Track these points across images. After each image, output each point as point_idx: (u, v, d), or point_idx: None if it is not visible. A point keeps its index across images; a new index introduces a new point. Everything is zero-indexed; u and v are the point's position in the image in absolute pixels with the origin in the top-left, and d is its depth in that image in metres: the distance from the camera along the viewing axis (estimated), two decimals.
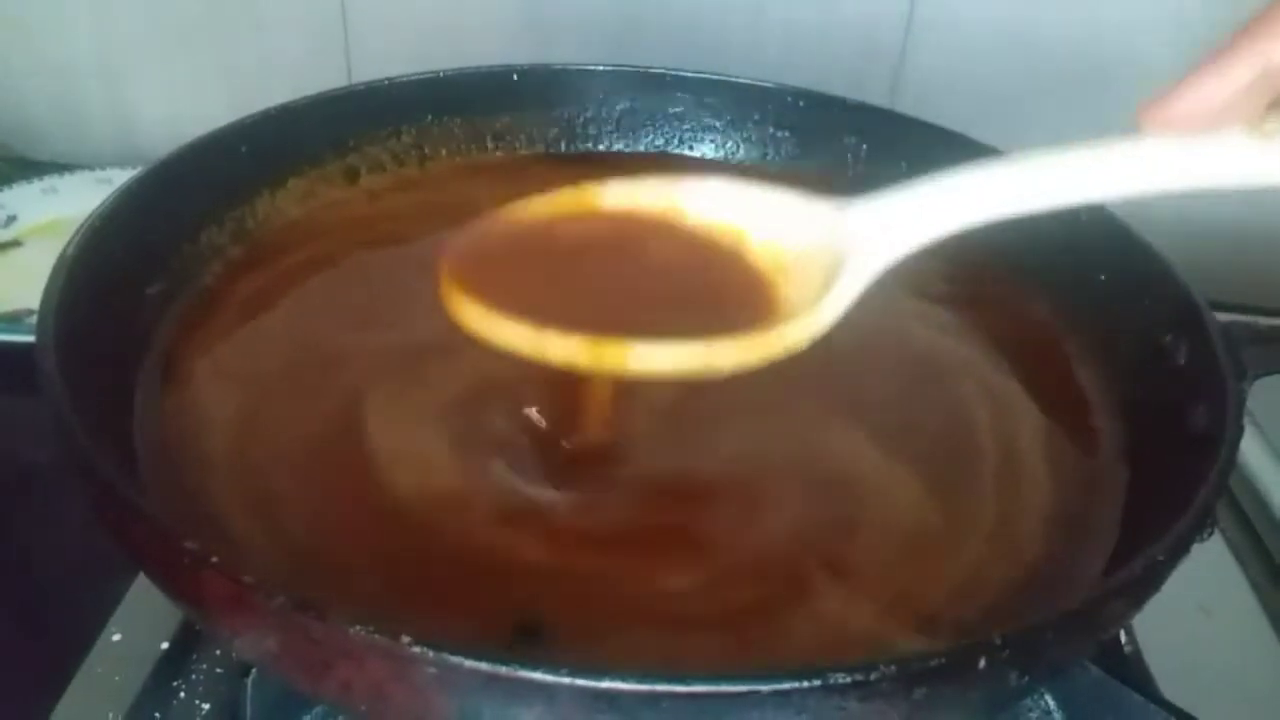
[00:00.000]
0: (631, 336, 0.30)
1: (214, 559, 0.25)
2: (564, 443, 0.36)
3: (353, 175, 0.49)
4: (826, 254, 0.32)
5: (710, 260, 0.33)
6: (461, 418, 0.37)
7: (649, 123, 0.55)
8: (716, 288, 0.33)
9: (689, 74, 0.55)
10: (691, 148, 0.55)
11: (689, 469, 0.36)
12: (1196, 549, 0.29)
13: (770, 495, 0.35)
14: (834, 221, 0.33)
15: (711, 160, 0.55)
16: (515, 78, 0.53)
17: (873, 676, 0.24)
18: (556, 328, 0.30)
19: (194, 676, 0.39)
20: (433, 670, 0.23)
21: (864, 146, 0.53)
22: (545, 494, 0.35)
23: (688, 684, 0.23)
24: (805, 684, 0.23)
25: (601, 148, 0.55)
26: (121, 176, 0.39)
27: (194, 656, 0.39)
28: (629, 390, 0.38)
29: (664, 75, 0.55)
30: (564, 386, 0.38)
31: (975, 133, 0.50)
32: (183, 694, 0.39)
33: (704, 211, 0.34)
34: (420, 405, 0.37)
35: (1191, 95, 0.28)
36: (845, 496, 0.36)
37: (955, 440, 0.38)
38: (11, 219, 0.64)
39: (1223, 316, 0.38)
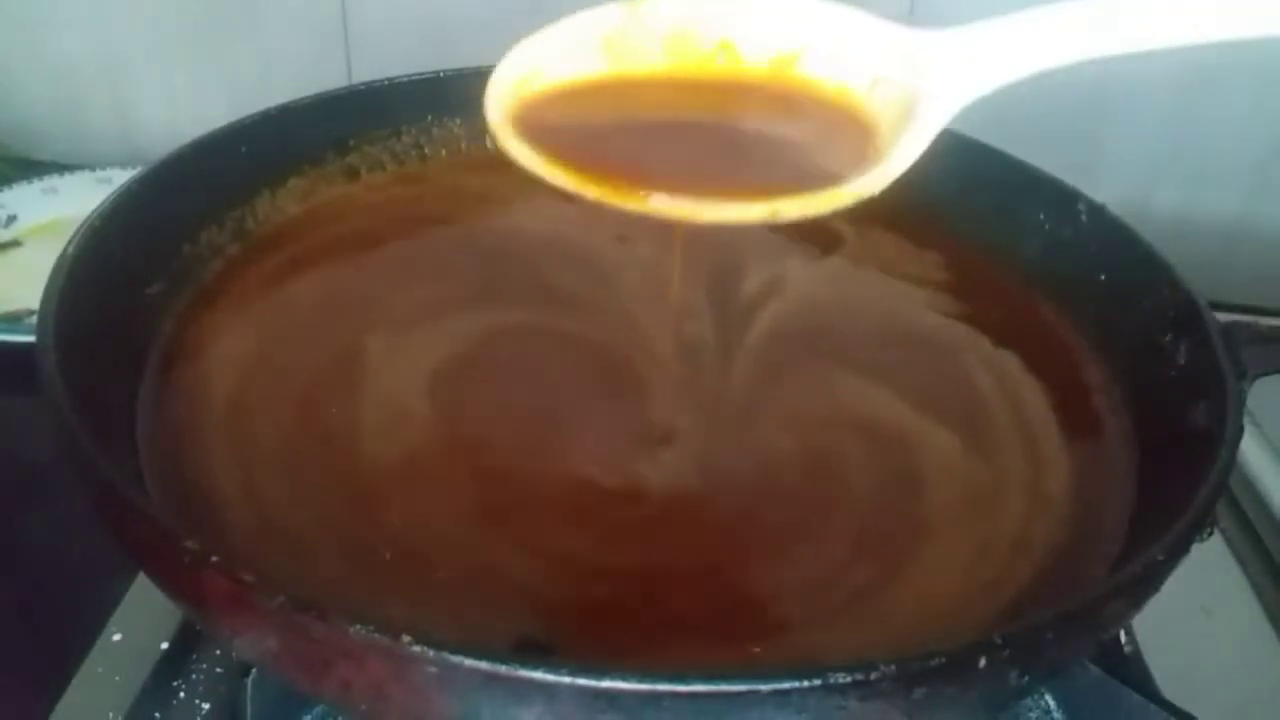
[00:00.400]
0: (701, 183, 0.29)
1: (214, 558, 0.25)
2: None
3: (353, 175, 0.49)
4: (900, 86, 0.30)
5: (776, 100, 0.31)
6: (473, 418, 0.37)
7: None
8: (780, 129, 0.31)
9: None
10: None
11: (722, 464, 0.36)
12: (1197, 549, 0.29)
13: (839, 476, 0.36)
14: (912, 49, 0.30)
15: None
16: None
17: (873, 676, 0.24)
18: (619, 180, 0.29)
19: (194, 676, 0.39)
20: (433, 670, 0.23)
21: None
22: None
23: (688, 683, 0.23)
24: (805, 683, 0.23)
25: None
26: (122, 176, 0.39)
27: (194, 656, 0.40)
28: (657, 378, 0.39)
29: None
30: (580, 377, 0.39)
31: (974, 130, 0.50)
32: (183, 694, 0.39)
33: (763, 36, 0.31)
34: (426, 403, 0.37)
35: None
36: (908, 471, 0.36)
37: (974, 419, 0.39)
38: (12, 219, 0.64)
39: (1223, 316, 0.38)
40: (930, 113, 0.29)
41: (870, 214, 0.51)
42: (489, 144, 0.53)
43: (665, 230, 0.49)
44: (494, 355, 0.40)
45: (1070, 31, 0.29)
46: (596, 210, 0.30)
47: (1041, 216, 0.46)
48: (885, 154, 0.29)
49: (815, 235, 0.47)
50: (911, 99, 0.29)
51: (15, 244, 0.63)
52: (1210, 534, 0.30)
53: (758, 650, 0.30)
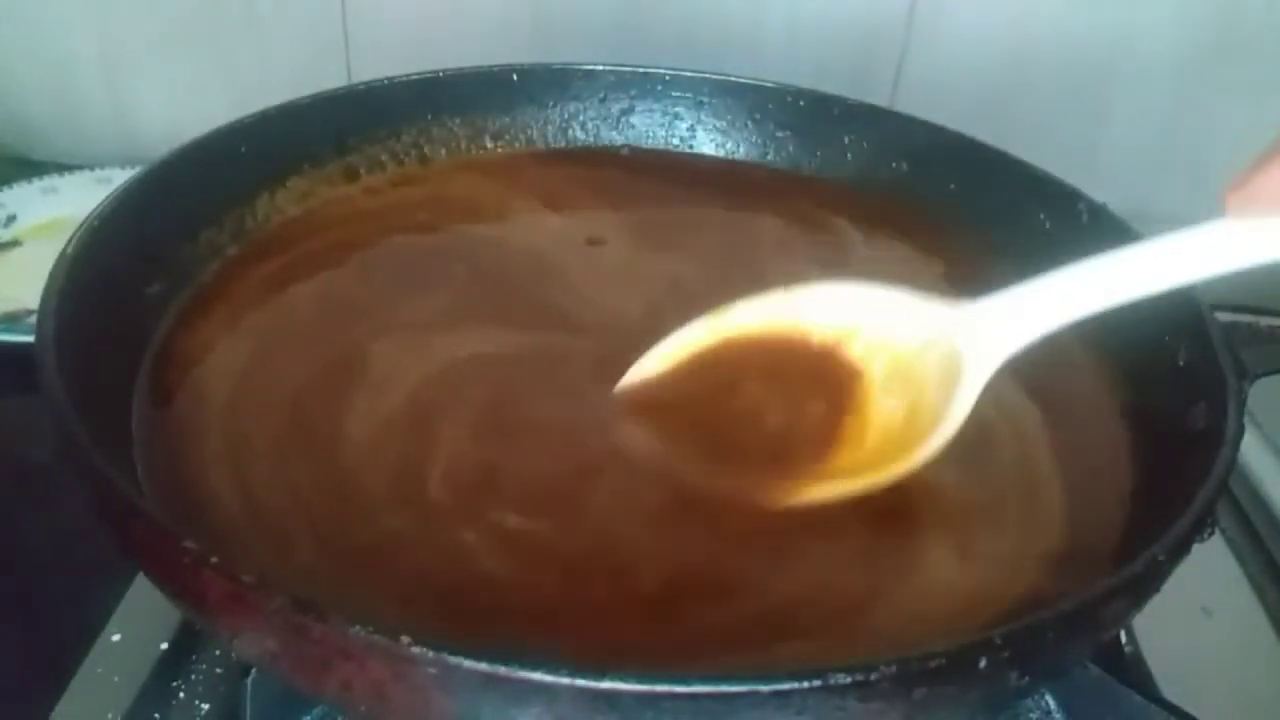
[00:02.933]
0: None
1: (214, 559, 0.25)
2: None
3: (353, 175, 0.49)
4: (939, 352, 0.35)
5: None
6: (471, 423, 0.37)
7: (649, 122, 0.55)
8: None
9: (689, 74, 0.55)
10: (691, 147, 0.56)
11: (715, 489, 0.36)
12: (1197, 549, 0.29)
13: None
14: (951, 319, 0.35)
15: (712, 159, 0.55)
16: (515, 78, 0.53)
17: (873, 677, 0.24)
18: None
19: (194, 677, 0.39)
20: (432, 670, 0.23)
21: (864, 145, 0.53)
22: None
23: (688, 684, 0.23)
24: (805, 684, 0.23)
25: (602, 147, 0.55)
26: (121, 176, 0.39)
27: (194, 657, 0.39)
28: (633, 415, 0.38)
29: (663, 75, 0.55)
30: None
31: (976, 130, 0.50)
32: (182, 694, 0.39)
33: (819, 315, 0.37)
34: (425, 402, 0.37)
35: (1269, 177, 0.30)
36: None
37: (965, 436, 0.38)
38: (11, 218, 0.64)
39: (1223, 316, 0.38)
40: (973, 374, 0.34)
41: (874, 219, 0.51)
42: (489, 144, 0.53)
43: (654, 233, 0.49)
44: (490, 363, 0.40)
45: (1091, 288, 0.33)
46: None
47: (1042, 216, 0.46)
48: (938, 412, 0.34)
49: (823, 246, 0.48)
50: (956, 359, 0.34)
51: (14, 243, 0.63)
52: (1211, 534, 0.30)
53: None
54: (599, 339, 0.41)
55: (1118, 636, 0.41)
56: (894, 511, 0.35)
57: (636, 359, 0.39)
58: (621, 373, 0.39)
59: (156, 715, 0.38)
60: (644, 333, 0.40)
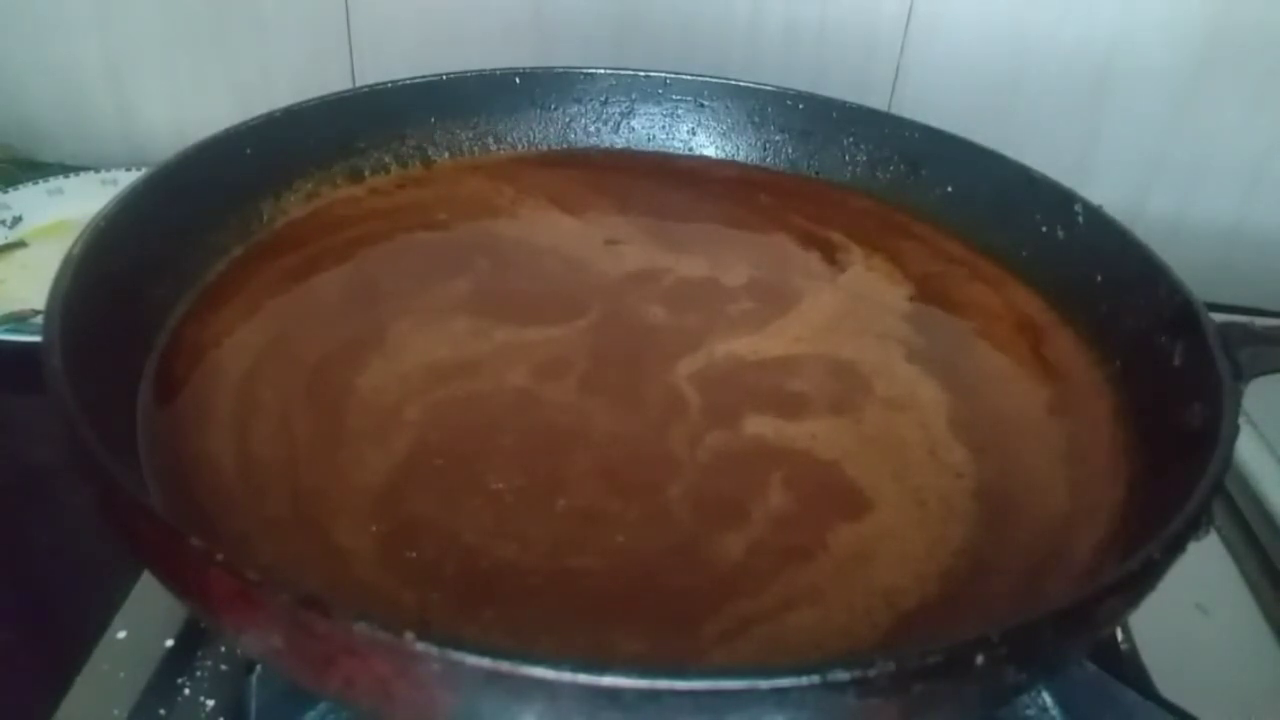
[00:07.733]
0: None
1: (219, 556, 0.25)
2: None
3: (357, 176, 0.49)
4: None
5: None
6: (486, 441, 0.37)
7: (649, 125, 0.55)
8: None
9: (688, 77, 0.55)
10: (692, 149, 0.56)
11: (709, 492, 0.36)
12: (1193, 548, 0.29)
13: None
14: None
15: (712, 161, 0.56)
16: (518, 81, 0.53)
17: (871, 673, 0.24)
18: None
19: (198, 673, 0.39)
20: (435, 667, 0.24)
21: (861, 148, 0.53)
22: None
23: (689, 680, 0.23)
24: (804, 680, 0.23)
25: (603, 149, 0.55)
26: (126, 178, 0.40)
27: (198, 653, 0.40)
28: (638, 397, 0.39)
29: (664, 78, 0.55)
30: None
31: (973, 132, 0.50)
32: (187, 691, 0.39)
33: None
34: (425, 409, 0.38)
35: None
36: None
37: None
38: (17, 220, 0.65)
39: (1219, 317, 0.38)
40: None
41: (870, 222, 0.51)
42: (491, 146, 0.53)
43: (658, 234, 0.49)
44: (490, 364, 0.40)
45: None
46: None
47: (1038, 218, 0.46)
48: None
49: (824, 256, 0.49)
50: None
51: (21, 244, 0.63)
52: (1207, 533, 0.30)
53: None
54: (604, 344, 0.42)
55: (1114, 634, 0.41)
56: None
57: (637, 370, 0.40)
58: (624, 378, 0.40)
59: (162, 712, 0.38)
60: (672, 331, 0.41)
